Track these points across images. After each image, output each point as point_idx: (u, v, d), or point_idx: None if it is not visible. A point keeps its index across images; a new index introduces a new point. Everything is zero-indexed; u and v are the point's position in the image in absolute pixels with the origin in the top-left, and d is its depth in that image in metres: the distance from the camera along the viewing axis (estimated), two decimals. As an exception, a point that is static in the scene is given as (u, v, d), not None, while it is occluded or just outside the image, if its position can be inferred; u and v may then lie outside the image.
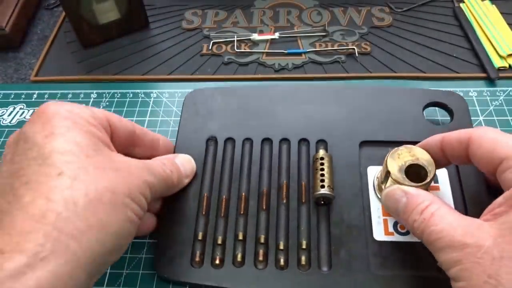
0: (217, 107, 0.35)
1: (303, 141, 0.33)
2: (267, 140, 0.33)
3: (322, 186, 0.29)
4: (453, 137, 0.25)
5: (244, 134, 0.34)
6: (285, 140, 0.33)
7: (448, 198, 0.29)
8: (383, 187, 0.28)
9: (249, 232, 0.29)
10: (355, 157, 0.32)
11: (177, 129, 0.34)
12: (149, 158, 0.27)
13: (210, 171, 0.32)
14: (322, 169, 0.29)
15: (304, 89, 0.36)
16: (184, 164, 0.30)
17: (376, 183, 0.30)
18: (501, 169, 0.22)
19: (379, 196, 0.30)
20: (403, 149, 0.27)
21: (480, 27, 0.44)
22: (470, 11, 0.46)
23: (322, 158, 0.30)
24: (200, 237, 0.29)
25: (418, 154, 0.26)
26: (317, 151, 0.32)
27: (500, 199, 0.22)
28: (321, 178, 0.29)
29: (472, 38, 0.43)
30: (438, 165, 0.27)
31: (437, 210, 0.23)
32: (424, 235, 0.23)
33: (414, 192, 0.25)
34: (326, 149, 0.32)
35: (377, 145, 0.32)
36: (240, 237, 0.29)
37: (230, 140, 0.34)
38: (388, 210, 0.27)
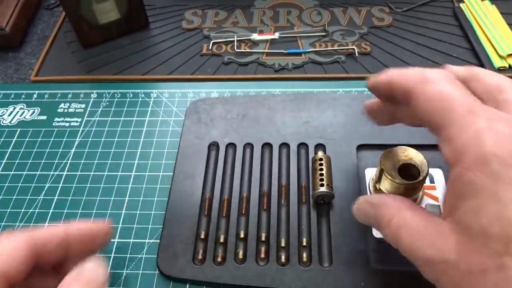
0: (218, 115, 0.36)
1: (302, 145, 0.34)
2: (267, 145, 0.34)
3: (322, 185, 0.29)
4: (399, 83, 0.22)
5: (245, 139, 0.34)
6: (284, 144, 0.34)
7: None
8: (377, 186, 0.28)
9: (250, 230, 0.29)
10: (353, 160, 0.32)
11: (177, 129, 0.34)
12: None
13: (212, 174, 0.33)
14: (321, 169, 0.30)
15: (302, 97, 0.37)
16: None
17: (371, 184, 0.31)
18: (439, 139, 0.20)
19: None
20: (397, 149, 0.27)
21: (480, 27, 0.44)
22: (470, 11, 0.46)
23: (321, 159, 0.31)
24: (202, 236, 0.29)
25: (412, 155, 0.27)
26: (315, 153, 0.32)
27: (446, 189, 0.20)
28: (320, 177, 0.30)
29: (472, 38, 0.43)
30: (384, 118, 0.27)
31: (400, 220, 0.21)
32: (397, 247, 0.21)
33: (378, 201, 0.23)
34: (324, 152, 0.33)
35: (374, 149, 0.33)
36: (242, 236, 0.29)
37: (231, 145, 0.34)
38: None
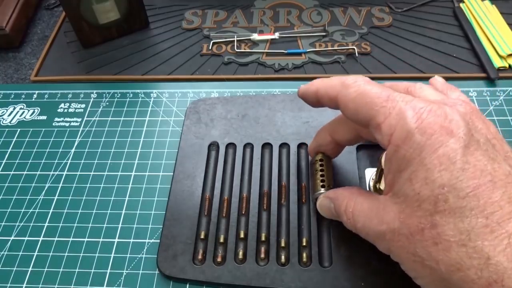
0: (218, 115, 0.36)
1: (302, 145, 0.34)
2: (267, 145, 0.34)
3: (323, 186, 0.29)
4: (325, 93, 0.25)
5: (245, 139, 0.34)
6: (284, 144, 0.34)
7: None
8: (377, 186, 0.28)
9: (250, 230, 0.29)
10: (353, 160, 0.32)
11: (177, 129, 0.34)
12: None
13: (212, 174, 0.33)
14: (322, 170, 0.29)
15: None
16: None
17: (371, 184, 0.31)
18: (372, 131, 0.22)
19: None
20: None
21: (480, 27, 0.44)
22: (470, 11, 0.46)
23: (321, 160, 0.30)
24: (202, 236, 0.29)
25: None
26: (316, 154, 0.32)
27: (385, 168, 0.22)
28: (321, 178, 0.29)
29: (472, 38, 0.43)
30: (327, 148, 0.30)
31: (354, 206, 0.24)
32: (358, 233, 0.24)
33: (333, 195, 0.26)
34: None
35: (374, 149, 0.33)
36: (242, 236, 0.29)
37: (231, 145, 0.34)
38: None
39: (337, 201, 0.25)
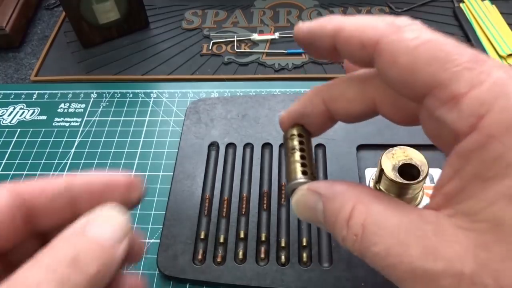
0: (218, 115, 0.36)
1: None
2: (267, 145, 0.34)
3: (304, 173, 0.18)
4: (356, 34, 0.15)
5: (245, 139, 0.34)
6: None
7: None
8: (377, 187, 0.28)
9: (250, 230, 0.29)
10: (353, 160, 0.32)
11: (177, 129, 0.34)
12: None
13: (212, 174, 0.33)
14: (302, 149, 0.19)
15: None
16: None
17: (372, 184, 0.31)
18: (432, 105, 0.14)
19: None
20: (397, 149, 0.27)
21: (480, 27, 0.44)
22: (470, 11, 0.46)
23: (300, 135, 0.19)
24: (202, 236, 0.29)
25: (412, 154, 0.27)
26: (315, 154, 0.32)
27: (447, 169, 0.14)
28: (301, 161, 0.19)
29: (472, 38, 0.43)
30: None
31: (367, 215, 0.14)
32: (367, 260, 0.15)
33: (326, 189, 0.16)
34: (325, 153, 0.33)
35: (374, 148, 0.33)
36: (242, 236, 0.29)
37: (231, 145, 0.34)
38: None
39: (334, 202, 0.16)
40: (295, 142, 0.19)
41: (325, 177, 0.31)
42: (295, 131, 0.19)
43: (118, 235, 0.14)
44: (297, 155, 0.19)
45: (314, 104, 0.19)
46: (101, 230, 0.14)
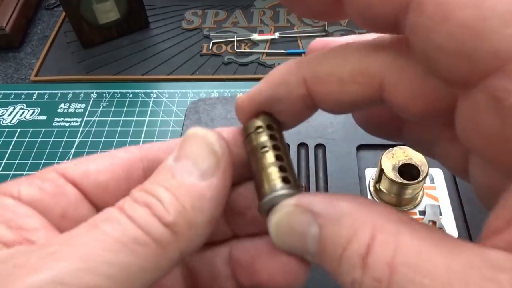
0: (218, 115, 0.36)
1: (302, 145, 0.34)
2: None
3: (285, 180, 0.13)
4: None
5: None
6: None
7: (444, 198, 0.30)
8: (377, 186, 0.28)
9: None
10: (353, 160, 0.32)
11: (177, 129, 0.34)
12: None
13: None
14: (277, 147, 0.14)
15: None
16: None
17: (371, 184, 0.31)
18: (491, 89, 0.09)
19: (375, 198, 0.30)
20: (397, 149, 0.27)
21: None
22: None
23: (269, 127, 0.14)
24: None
25: (412, 154, 0.27)
26: (315, 154, 0.32)
27: (504, 205, 0.09)
28: (279, 164, 0.13)
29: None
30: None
31: (398, 254, 0.10)
32: None
33: (327, 209, 0.11)
34: (325, 153, 0.32)
35: (374, 148, 0.33)
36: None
37: None
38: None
39: (338, 224, 0.11)
40: (264, 138, 0.14)
41: (326, 178, 0.31)
42: (261, 122, 0.14)
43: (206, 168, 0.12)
44: (271, 155, 0.14)
45: (291, 85, 0.13)
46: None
